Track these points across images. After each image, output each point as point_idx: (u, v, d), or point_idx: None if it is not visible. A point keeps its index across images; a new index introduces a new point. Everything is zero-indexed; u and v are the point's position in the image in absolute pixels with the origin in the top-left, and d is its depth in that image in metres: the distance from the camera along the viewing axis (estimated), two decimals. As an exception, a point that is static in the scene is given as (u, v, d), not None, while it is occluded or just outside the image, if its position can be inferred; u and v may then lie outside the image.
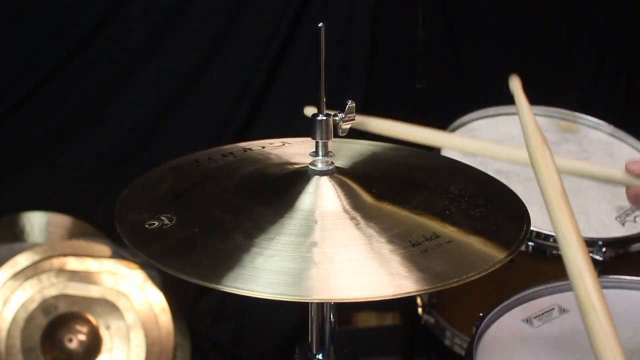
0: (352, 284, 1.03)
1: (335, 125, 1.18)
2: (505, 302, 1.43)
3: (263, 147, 1.34)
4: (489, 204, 1.21)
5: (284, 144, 1.35)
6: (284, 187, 1.18)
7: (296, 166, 1.24)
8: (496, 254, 1.10)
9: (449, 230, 1.13)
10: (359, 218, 1.12)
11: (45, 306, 2.11)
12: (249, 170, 1.26)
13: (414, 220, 1.14)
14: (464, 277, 1.05)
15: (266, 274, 1.03)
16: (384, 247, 1.08)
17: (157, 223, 1.12)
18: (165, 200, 1.19)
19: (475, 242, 1.12)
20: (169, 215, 1.14)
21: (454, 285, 1.04)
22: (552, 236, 1.68)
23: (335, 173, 1.19)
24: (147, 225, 1.12)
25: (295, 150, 1.31)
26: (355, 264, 1.05)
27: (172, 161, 1.31)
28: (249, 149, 1.34)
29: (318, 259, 1.06)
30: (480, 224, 1.16)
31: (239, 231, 1.10)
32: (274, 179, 1.22)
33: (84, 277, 2.13)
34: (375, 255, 1.07)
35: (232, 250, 1.07)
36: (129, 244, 1.10)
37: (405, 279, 1.03)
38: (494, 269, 1.07)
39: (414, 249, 1.08)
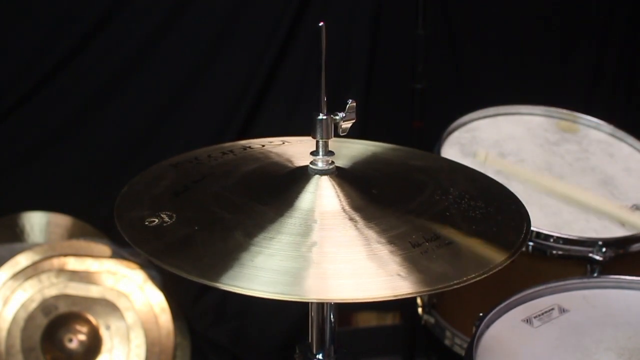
0: (351, 284, 1.03)
1: (336, 124, 1.18)
2: (505, 302, 1.43)
3: (263, 146, 1.34)
4: (489, 206, 1.21)
5: (284, 143, 1.35)
6: (284, 185, 1.18)
7: (296, 165, 1.24)
8: (497, 256, 1.09)
9: (449, 232, 1.13)
10: (358, 218, 1.12)
11: (45, 306, 2.11)
12: (248, 168, 1.26)
13: (414, 221, 1.14)
14: (464, 279, 1.04)
15: (266, 272, 1.03)
16: (384, 248, 1.07)
17: (157, 220, 1.12)
18: (165, 197, 1.19)
19: (476, 244, 1.12)
20: (169, 213, 1.14)
21: (454, 287, 1.03)
22: (552, 236, 1.68)
23: (335, 173, 1.19)
24: (147, 222, 1.12)
25: (295, 149, 1.31)
26: (354, 265, 1.05)
27: (172, 158, 1.31)
28: (249, 147, 1.34)
29: (317, 259, 1.06)
30: (480, 225, 1.16)
31: (239, 229, 1.10)
32: (274, 178, 1.22)
33: (84, 277, 2.13)
34: (375, 256, 1.06)
35: (232, 248, 1.07)
36: (128, 240, 1.10)
37: (405, 280, 1.03)
38: (494, 271, 1.07)
39: (415, 250, 1.08)
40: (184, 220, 1.13)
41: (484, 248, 1.12)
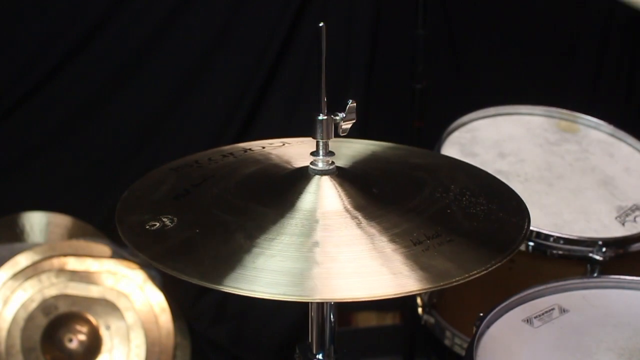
0: (354, 283, 1.03)
1: (336, 125, 1.18)
2: (505, 302, 1.43)
3: (263, 148, 1.34)
4: (490, 203, 1.21)
5: (284, 144, 1.35)
6: (284, 187, 1.18)
7: (296, 166, 1.24)
8: (497, 252, 1.10)
9: (450, 229, 1.13)
10: (360, 217, 1.13)
11: (45, 306, 2.11)
12: (249, 170, 1.26)
13: (416, 219, 1.14)
14: (466, 275, 1.05)
15: (268, 274, 1.03)
16: (386, 246, 1.08)
17: (158, 224, 1.12)
18: (166, 201, 1.19)
19: (477, 241, 1.13)
20: (170, 216, 1.14)
21: (456, 283, 1.04)
22: (552, 236, 1.68)
23: (335, 173, 1.19)
24: (148, 227, 1.12)
25: (295, 150, 1.31)
26: (357, 264, 1.06)
27: (172, 162, 1.31)
28: (249, 149, 1.34)
29: (320, 258, 1.06)
30: (481, 222, 1.16)
31: (240, 231, 1.10)
32: (275, 179, 1.22)
33: (84, 277, 2.13)
34: (378, 254, 1.07)
35: (234, 250, 1.07)
36: (130, 245, 1.10)
37: (408, 277, 1.03)
38: (495, 267, 1.07)
39: (416, 247, 1.08)
40: (185, 224, 1.13)
41: (485, 245, 1.12)
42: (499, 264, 1.08)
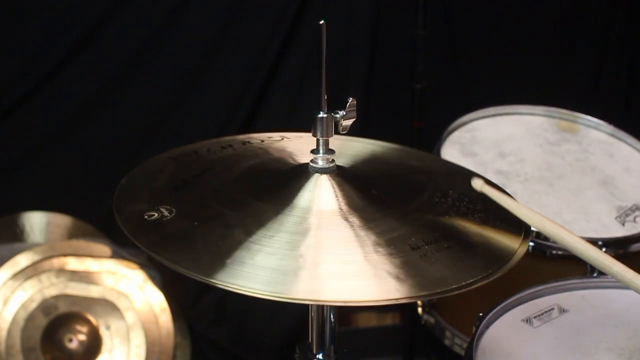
0: (344, 286, 1.01)
1: (336, 122, 1.18)
2: (505, 302, 1.43)
3: (262, 141, 1.34)
4: (488, 209, 1.20)
5: (283, 139, 1.35)
6: (283, 182, 1.17)
7: (297, 162, 1.23)
8: (494, 262, 1.09)
9: (448, 235, 1.12)
10: (356, 219, 1.11)
11: (45, 306, 2.11)
12: (248, 164, 1.25)
13: (414, 224, 1.13)
14: (463, 284, 1.03)
15: (260, 270, 1.02)
16: (383, 250, 1.06)
17: (156, 214, 1.12)
18: (165, 191, 1.18)
19: (475, 248, 1.11)
20: (168, 207, 1.13)
21: (453, 293, 1.02)
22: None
23: (335, 172, 1.18)
24: (146, 217, 1.12)
25: (295, 145, 1.30)
26: (349, 267, 1.04)
27: (171, 150, 1.31)
28: (248, 141, 1.33)
29: (311, 258, 1.04)
30: (479, 229, 1.15)
31: (238, 226, 1.09)
32: (274, 174, 1.21)
33: (84, 277, 2.13)
34: (372, 258, 1.05)
35: (230, 245, 1.06)
36: (127, 234, 1.09)
37: (404, 283, 1.02)
38: (493, 277, 1.06)
39: (414, 252, 1.07)
40: (184, 215, 1.12)
41: (482, 252, 1.11)
42: (498, 275, 1.07)
